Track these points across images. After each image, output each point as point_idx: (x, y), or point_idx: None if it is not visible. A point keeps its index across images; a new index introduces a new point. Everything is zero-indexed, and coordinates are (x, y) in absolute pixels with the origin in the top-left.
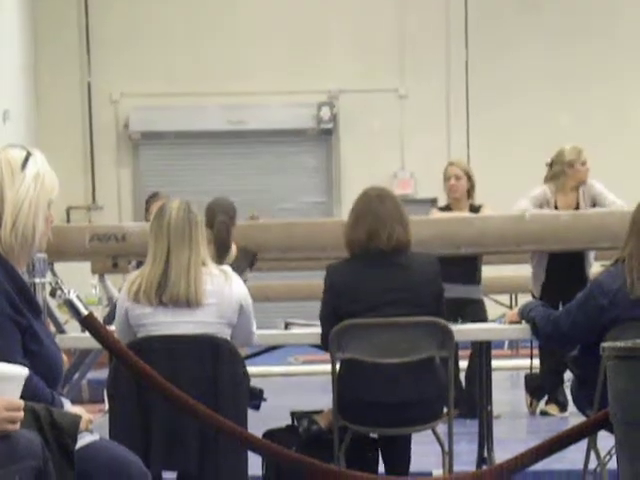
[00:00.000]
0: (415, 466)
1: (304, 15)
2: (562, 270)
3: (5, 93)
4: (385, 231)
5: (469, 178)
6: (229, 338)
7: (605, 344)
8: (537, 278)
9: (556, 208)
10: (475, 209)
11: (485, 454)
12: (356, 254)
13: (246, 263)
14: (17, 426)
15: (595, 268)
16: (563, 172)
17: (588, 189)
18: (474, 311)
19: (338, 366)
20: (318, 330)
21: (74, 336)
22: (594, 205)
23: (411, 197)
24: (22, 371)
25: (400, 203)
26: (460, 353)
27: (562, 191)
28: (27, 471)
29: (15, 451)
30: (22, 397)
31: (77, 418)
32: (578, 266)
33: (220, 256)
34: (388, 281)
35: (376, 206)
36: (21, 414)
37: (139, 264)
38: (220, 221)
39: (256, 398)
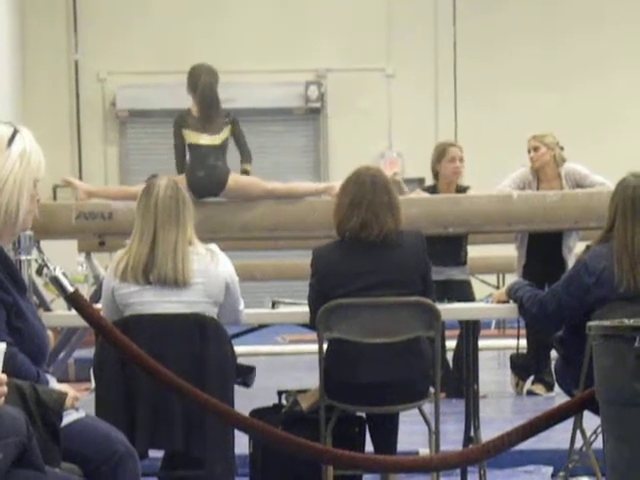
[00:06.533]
0: (402, 445)
1: None
2: (541, 253)
3: None
4: (378, 223)
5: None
6: (216, 317)
7: (591, 323)
8: (519, 260)
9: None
10: (462, 191)
11: (472, 433)
12: (345, 238)
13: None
14: (1, 401)
15: (580, 248)
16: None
17: (571, 174)
18: (461, 291)
19: (325, 345)
20: (305, 309)
21: (60, 314)
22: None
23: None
24: (0, 345)
25: (392, 187)
26: (447, 333)
27: (542, 175)
28: (11, 447)
29: None
30: (6, 374)
31: (63, 395)
32: (556, 249)
33: (206, 119)
34: (375, 264)
35: (370, 195)
36: (4, 389)
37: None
38: (205, 81)
39: (247, 376)
